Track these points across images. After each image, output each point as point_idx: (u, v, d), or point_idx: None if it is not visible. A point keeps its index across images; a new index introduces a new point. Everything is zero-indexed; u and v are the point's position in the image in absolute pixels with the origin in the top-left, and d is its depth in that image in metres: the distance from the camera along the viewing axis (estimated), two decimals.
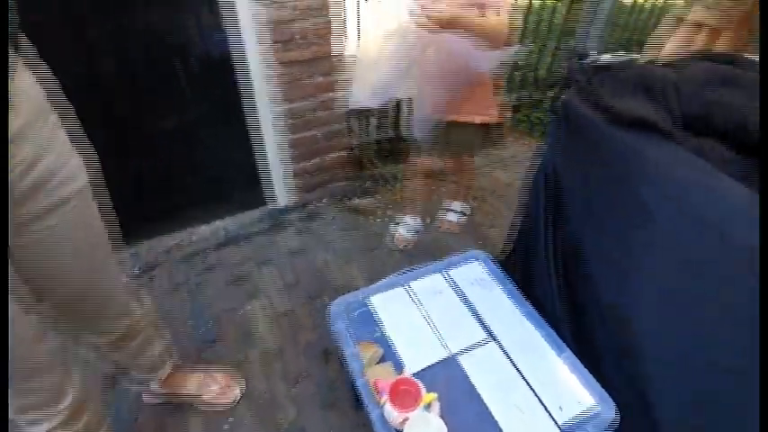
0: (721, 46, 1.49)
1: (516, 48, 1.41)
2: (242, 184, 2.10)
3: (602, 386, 1.10)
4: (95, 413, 1.07)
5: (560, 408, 1.07)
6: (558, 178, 1.23)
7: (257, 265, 1.93)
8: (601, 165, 1.02)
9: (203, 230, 2.07)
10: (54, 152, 0.76)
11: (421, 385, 1.01)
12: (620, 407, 1.06)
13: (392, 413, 0.97)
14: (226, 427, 1.41)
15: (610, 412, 1.06)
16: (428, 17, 1.18)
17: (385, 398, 0.99)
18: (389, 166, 2.42)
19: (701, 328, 0.96)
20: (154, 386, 1.40)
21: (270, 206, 2.20)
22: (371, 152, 2.37)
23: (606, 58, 1.11)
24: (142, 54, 1.58)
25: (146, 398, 1.44)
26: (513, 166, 2.57)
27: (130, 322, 1.11)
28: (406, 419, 0.96)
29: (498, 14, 1.26)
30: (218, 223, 2.10)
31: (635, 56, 1.26)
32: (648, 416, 1.12)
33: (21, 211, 0.74)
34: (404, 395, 0.99)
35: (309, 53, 1.70)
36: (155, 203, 1.94)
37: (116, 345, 1.13)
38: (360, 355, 1.14)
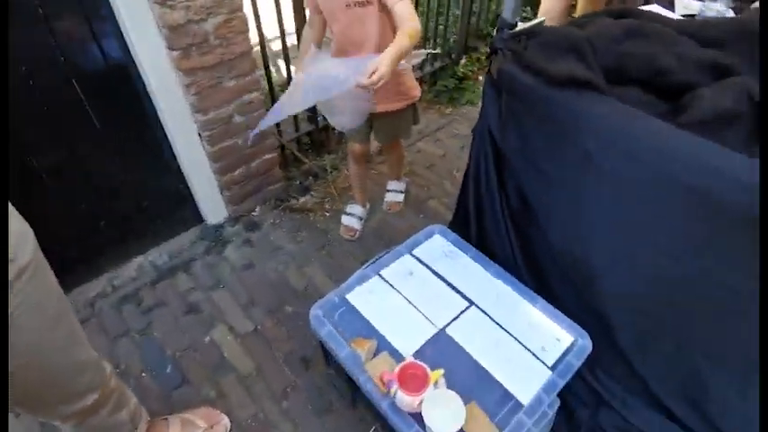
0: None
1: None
2: (165, 209, 1.91)
3: (576, 300, 1.23)
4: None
5: (544, 349, 1.18)
6: (498, 142, 1.31)
7: (204, 291, 1.80)
8: (541, 123, 1.11)
9: (128, 269, 1.87)
10: None
11: (425, 366, 1.04)
12: (589, 312, 1.21)
13: (405, 399, 1.00)
14: None
15: (585, 341, 1.19)
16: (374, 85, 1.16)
17: (395, 387, 1.01)
18: (316, 160, 2.37)
19: (644, 258, 1.11)
20: None
21: (202, 227, 2.04)
22: (295, 148, 2.30)
23: (521, 24, 1.18)
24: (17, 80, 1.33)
25: None
26: (431, 136, 2.66)
27: (103, 390, 0.99)
28: (421, 402, 0.99)
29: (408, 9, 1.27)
30: (140, 259, 1.90)
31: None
32: (610, 337, 1.29)
33: None
34: (412, 379, 1.02)
35: (214, 57, 1.57)
36: (63, 252, 1.69)
37: (87, 417, 1.00)
38: (356, 353, 1.13)
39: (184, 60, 1.52)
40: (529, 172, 1.28)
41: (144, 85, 1.56)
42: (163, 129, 1.69)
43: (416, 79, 2.82)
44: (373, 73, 1.14)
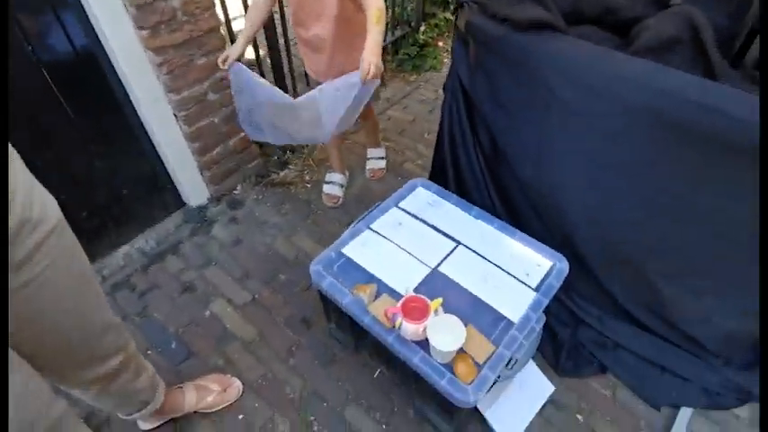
0: None
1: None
2: (146, 195, 1.91)
3: (549, 233, 1.37)
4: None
5: (527, 274, 1.30)
6: (468, 92, 1.40)
7: (197, 270, 1.84)
8: (508, 68, 1.20)
9: (115, 258, 1.87)
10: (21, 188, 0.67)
11: (425, 298, 1.14)
12: (562, 244, 1.36)
13: (410, 328, 1.10)
14: (240, 416, 1.41)
15: (563, 263, 1.32)
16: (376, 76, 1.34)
17: (400, 318, 1.11)
18: None
19: (605, 182, 1.24)
20: (146, 424, 1.34)
21: (185, 210, 2.05)
22: None
23: None
24: None
25: (143, 425, 1.35)
26: (399, 103, 2.73)
27: (126, 353, 1.03)
28: (424, 328, 1.09)
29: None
30: (126, 247, 1.91)
31: None
32: (578, 258, 1.43)
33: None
34: (415, 310, 1.12)
35: (183, 34, 1.58)
36: None
37: (110, 381, 1.04)
38: (359, 298, 1.22)
39: (153, 39, 1.52)
40: (498, 115, 1.38)
41: (114, 68, 1.55)
42: (136, 112, 1.69)
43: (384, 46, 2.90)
44: (368, 71, 1.32)
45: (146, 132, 1.76)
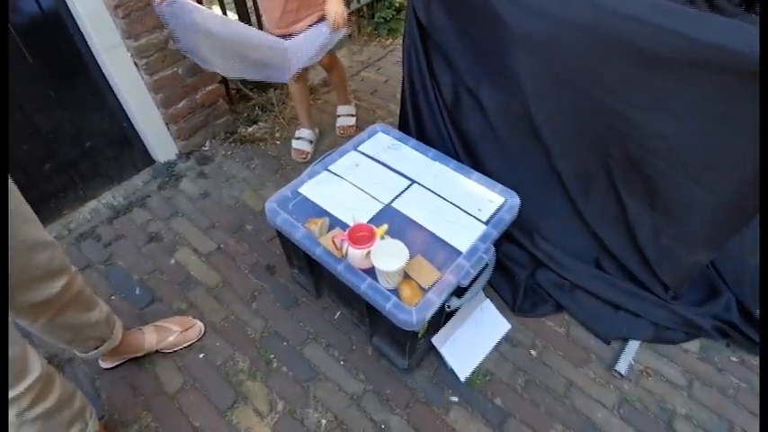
0: None
1: None
2: (112, 150, 1.90)
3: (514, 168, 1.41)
4: (64, 385, 1.01)
5: (479, 209, 1.32)
6: (425, 26, 1.40)
7: (164, 221, 1.85)
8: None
9: (81, 212, 1.87)
10: None
11: (371, 225, 1.16)
12: (531, 173, 1.41)
13: (356, 254, 1.11)
14: (201, 356, 1.43)
15: (514, 199, 1.34)
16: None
17: (346, 245, 1.12)
18: (262, 96, 2.39)
19: (572, 101, 1.25)
20: (106, 363, 1.36)
21: (154, 167, 2.05)
22: (239, 84, 2.30)
23: None
24: None
25: (103, 363, 1.37)
26: (374, 65, 2.72)
27: (69, 278, 1.04)
28: (369, 252, 1.11)
29: None
30: (94, 202, 1.91)
31: None
32: (551, 165, 1.45)
33: None
34: (361, 238, 1.13)
35: None
36: None
37: (57, 311, 1.05)
38: (310, 231, 1.23)
39: None
40: (461, 42, 1.38)
41: (71, 12, 1.53)
42: (95, 59, 1.67)
43: (354, 12, 2.87)
44: (334, 21, 1.47)
45: (108, 83, 1.75)
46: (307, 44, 1.56)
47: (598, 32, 1.04)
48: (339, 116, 2.24)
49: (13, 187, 0.89)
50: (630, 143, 1.20)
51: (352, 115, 2.24)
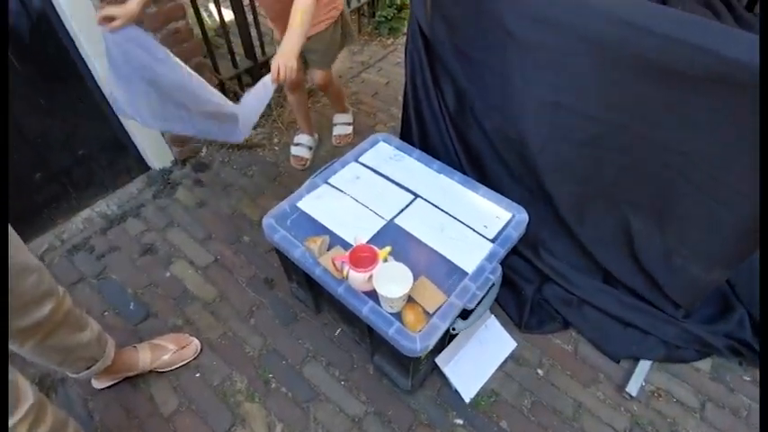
0: None
1: None
2: (105, 157, 1.84)
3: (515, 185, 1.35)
4: (56, 413, 0.97)
5: (485, 226, 1.27)
6: (428, 37, 1.34)
7: (159, 232, 1.79)
8: (464, 11, 1.14)
9: (74, 222, 1.82)
10: None
11: (374, 247, 1.11)
12: (529, 193, 1.33)
13: (358, 277, 1.06)
14: (197, 375, 1.39)
15: (522, 215, 1.29)
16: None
17: (347, 267, 1.07)
18: None
19: (569, 122, 1.20)
20: (99, 383, 1.31)
21: (148, 174, 1.99)
22: (236, 86, 2.24)
23: None
24: None
25: (96, 383, 1.33)
26: (375, 65, 2.65)
27: (57, 301, 0.99)
28: (371, 276, 1.06)
29: None
30: (87, 211, 1.85)
31: None
32: (551, 211, 1.40)
33: None
34: (363, 260, 1.08)
35: None
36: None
37: (46, 334, 1.01)
38: (309, 250, 1.18)
39: None
40: (461, 63, 1.32)
41: (59, 16, 1.47)
42: (86, 63, 1.61)
43: (355, 11, 2.79)
44: (277, 73, 1.23)
45: (99, 87, 1.69)
46: (258, 103, 1.34)
47: (613, 46, 0.98)
48: (335, 125, 2.17)
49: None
50: (644, 161, 1.14)
51: (349, 124, 2.18)
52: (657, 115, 1.04)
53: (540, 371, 1.40)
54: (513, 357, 1.42)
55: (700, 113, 0.98)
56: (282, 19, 1.35)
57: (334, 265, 1.11)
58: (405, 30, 2.94)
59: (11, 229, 0.88)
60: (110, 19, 1.21)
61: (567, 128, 1.18)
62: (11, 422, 0.82)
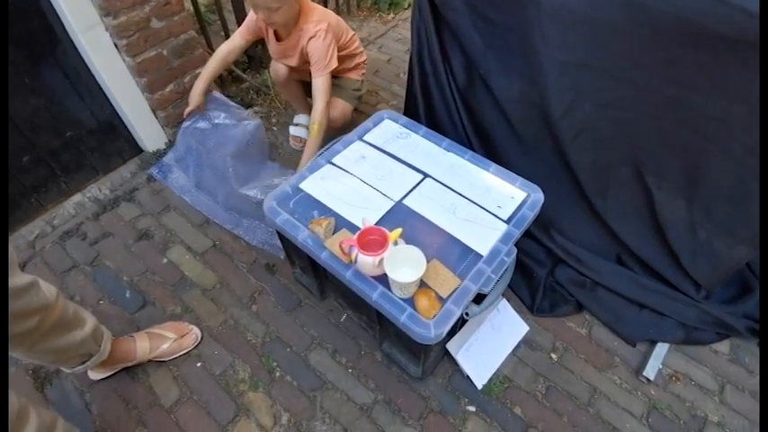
0: None
1: None
2: (96, 139, 1.75)
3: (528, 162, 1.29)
4: (42, 416, 0.91)
5: (499, 206, 1.20)
6: (437, 12, 1.25)
7: (154, 216, 1.72)
8: None
9: (65, 207, 1.74)
10: None
11: (383, 229, 1.04)
12: (544, 169, 1.28)
13: (367, 261, 1.00)
14: (199, 364, 1.33)
15: (537, 194, 1.22)
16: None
17: (355, 251, 1.01)
18: (255, 77, 2.22)
19: (595, 84, 1.12)
20: (96, 374, 1.26)
21: (141, 156, 1.91)
22: (232, 65, 2.13)
23: None
24: None
25: (93, 374, 1.28)
26: (375, 42, 2.54)
27: (47, 310, 0.94)
28: (381, 260, 0.99)
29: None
30: (78, 196, 1.77)
31: None
32: (571, 184, 1.33)
33: None
34: (372, 243, 1.02)
35: None
36: None
37: (36, 341, 0.95)
38: (314, 233, 1.12)
39: None
40: (476, 26, 1.23)
41: None
42: (71, 39, 1.51)
43: None
44: None
45: (86, 66, 1.59)
46: None
47: (648, 7, 0.90)
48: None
49: None
50: (674, 125, 1.07)
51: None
52: (692, 78, 0.97)
53: (553, 355, 1.35)
54: (525, 342, 1.38)
55: (738, 79, 0.91)
56: (284, 59, 1.66)
57: (342, 248, 1.05)
58: (406, 4, 2.82)
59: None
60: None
61: (592, 89, 1.11)
62: None
